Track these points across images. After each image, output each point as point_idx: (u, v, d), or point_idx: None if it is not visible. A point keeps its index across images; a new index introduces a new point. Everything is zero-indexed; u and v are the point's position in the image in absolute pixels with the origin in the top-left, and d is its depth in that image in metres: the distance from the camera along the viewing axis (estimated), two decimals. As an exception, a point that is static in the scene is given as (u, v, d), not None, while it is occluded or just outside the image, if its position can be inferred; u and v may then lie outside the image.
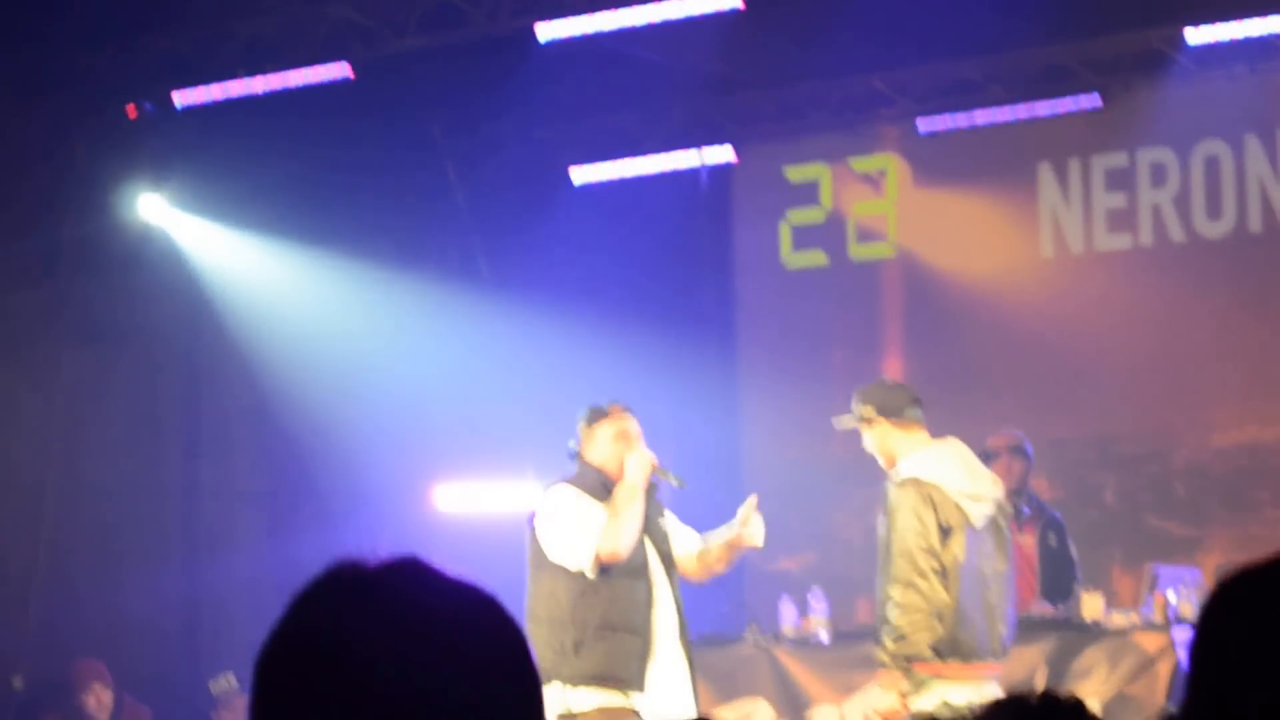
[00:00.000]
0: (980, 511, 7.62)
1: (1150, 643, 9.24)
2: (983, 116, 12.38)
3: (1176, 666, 9.05)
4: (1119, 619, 9.49)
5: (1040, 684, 8.60)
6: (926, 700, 7.40)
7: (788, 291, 13.19)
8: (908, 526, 7.48)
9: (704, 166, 13.30)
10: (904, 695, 7.45)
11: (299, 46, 11.57)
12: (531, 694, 1.75)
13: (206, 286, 12.99)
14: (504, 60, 11.89)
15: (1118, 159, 12.19)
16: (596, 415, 7.60)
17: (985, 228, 12.55)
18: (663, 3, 10.89)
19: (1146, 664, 9.19)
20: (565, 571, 7.32)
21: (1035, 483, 10.58)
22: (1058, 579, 10.00)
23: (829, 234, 13.04)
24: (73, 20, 11.25)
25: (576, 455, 7.59)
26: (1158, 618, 9.41)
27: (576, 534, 7.30)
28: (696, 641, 7.86)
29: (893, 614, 7.49)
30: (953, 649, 7.46)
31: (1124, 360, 12.05)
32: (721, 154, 13.17)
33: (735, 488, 10.73)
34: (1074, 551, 10.18)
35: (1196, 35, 11.57)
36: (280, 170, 12.40)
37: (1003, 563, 7.75)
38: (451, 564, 1.77)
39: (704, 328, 13.32)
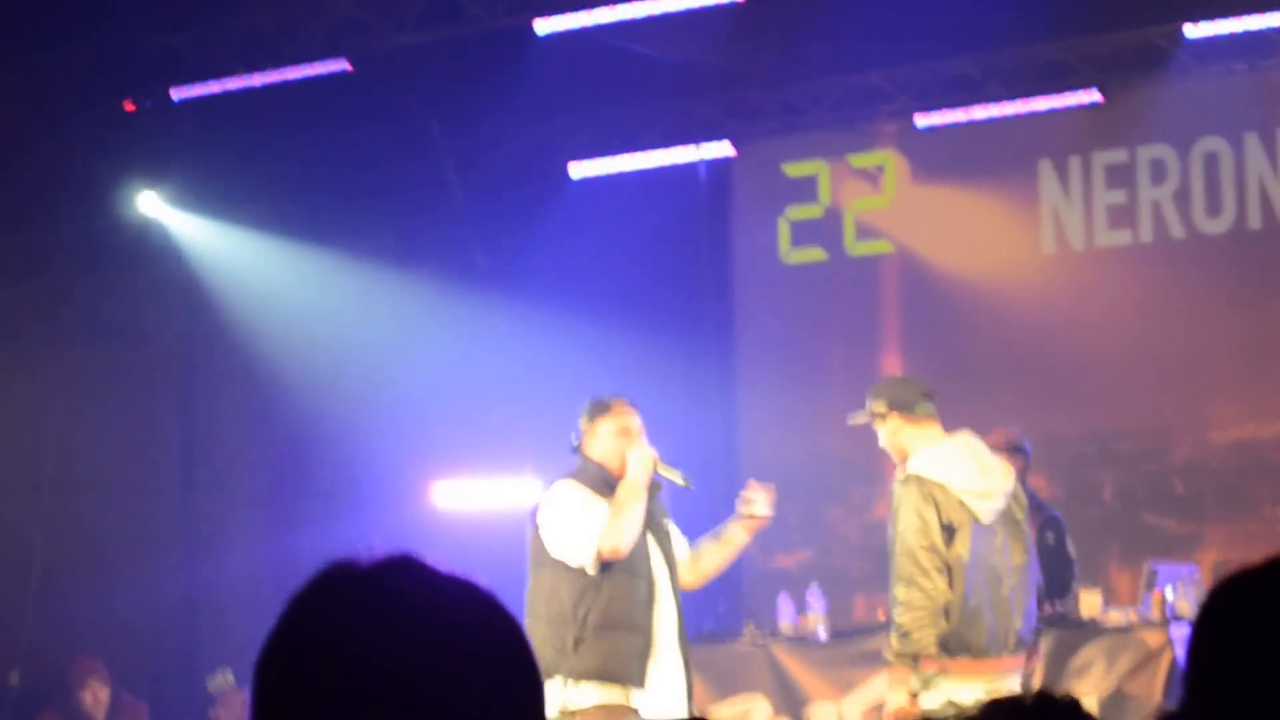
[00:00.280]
0: (988, 507, 7.58)
1: (1148, 640, 9.23)
2: (981, 113, 12.37)
3: (1174, 664, 9.04)
4: (1117, 616, 9.48)
5: (1037, 681, 8.59)
6: (934, 698, 7.38)
7: (786, 287, 13.18)
8: (909, 525, 7.45)
9: (703, 162, 13.29)
10: (913, 693, 7.42)
11: (297, 41, 11.56)
12: (532, 690, 1.74)
13: (204, 282, 12.99)
14: (502, 55, 11.87)
15: (1118, 156, 12.19)
16: (599, 410, 7.54)
17: (984, 224, 12.54)
18: (661, -2, 10.87)
19: (1144, 661, 9.19)
20: (566, 568, 7.30)
21: (1033, 480, 10.56)
22: (1056, 576, 9.97)
23: (827, 230, 13.03)
24: (70, 15, 11.23)
25: (578, 450, 7.56)
26: (1156, 615, 9.40)
27: (578, 530, 7.28)
28: (694, 639, 7.85)
29: (896, 611, 7.47)
30: (962, 645, 7.42)
31: (1122, 357, 12.05)
32: (720, 150, 13.15)
33: (732, 484, 10.70)
34: (1072, 549, 10.17)
35: (1195, 31, 11.56)
36: (278, 165, 12.41)
37: (1019, 556, 7.68)
38: (450, 561, 1.76)
39: (702, 324, 13.32)
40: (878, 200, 12.93)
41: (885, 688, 7.68)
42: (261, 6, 11.48)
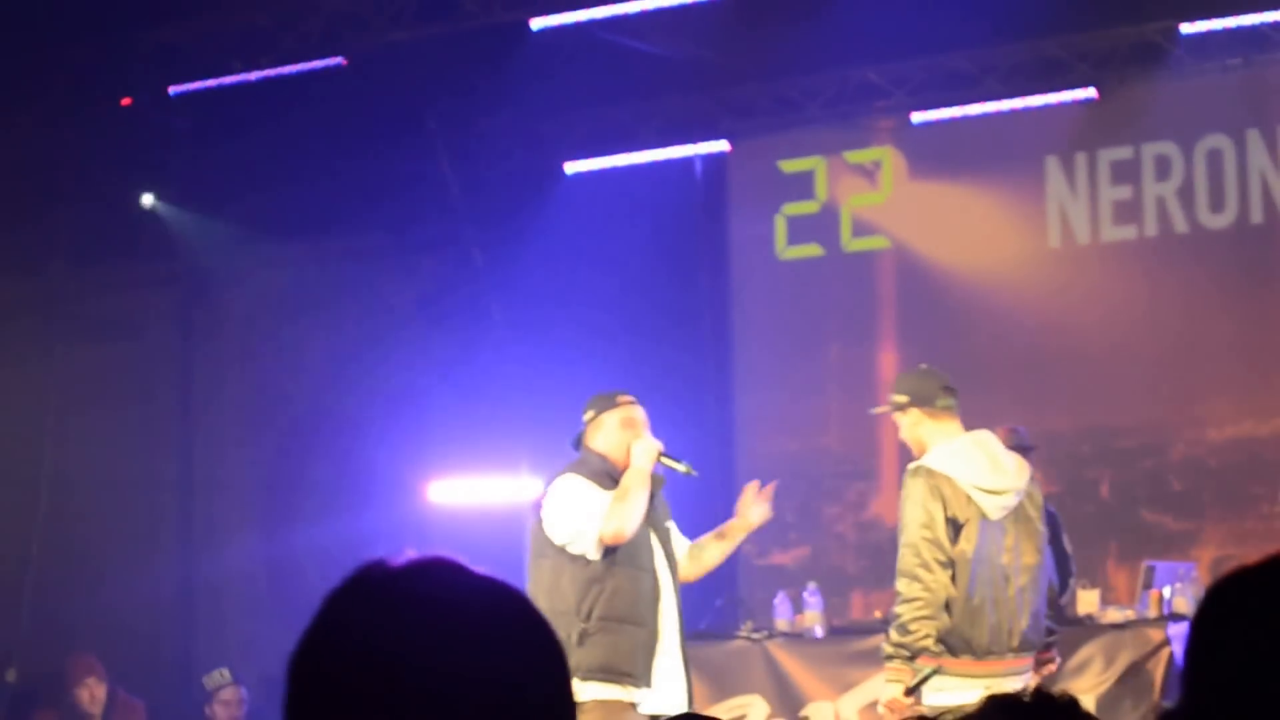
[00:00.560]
0: (998, 503, 7.53)
1: (1146, 638, 9.22)
2: (977, 109, 12.37)
3: (1172, 662, 9.02)
4: (1114, 614, 9.47)
5: (1034, 680, 8.56)
6: (931, 696, 7.35)
7: (782, 284, 13.17)
8: (913, 518, 7.42)
9: (699, 158, 13.28)
10: (909, 688, 7.39)
11: (294, 38, 11.56)
12: (563, 690, 1.77)
13: (200, 277, 12.98)
14: (498, 51, 11.87)
15: (1123, 152, 12.21)
16: (604, 403, 7.56)
17: (983, 220, 12.53)
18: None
19: (1142, 659, 9.17)
20: (569, 559, 7.28)
21: (1031, 477, 10.56)
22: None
23: (824, 226, 13.02)
24: (68, 12, 11.23)
25: (580, 444, 7.56)
26: (1153, 613, 9.39)
27: (580, 514, 7.27)
28: (691, 637, 7.84)
29: (897, 605, 7.44)
30: (963, 643, 7.37)
31: (1120, 354, 12.04)
32: (716, 146, 13.14)
33: (729, 480, 10.70)
34: (1069, 546, 10.15)
35: (1191, 27, 11.56)
36: (274, 161, 12.39)
37: (1030, 555, 7.60)
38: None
39: (698, 320, 13.30)
40: (874, 196, 12.93)
41: (882, 681, 7.65)
42: (258, 3, 11.48)
